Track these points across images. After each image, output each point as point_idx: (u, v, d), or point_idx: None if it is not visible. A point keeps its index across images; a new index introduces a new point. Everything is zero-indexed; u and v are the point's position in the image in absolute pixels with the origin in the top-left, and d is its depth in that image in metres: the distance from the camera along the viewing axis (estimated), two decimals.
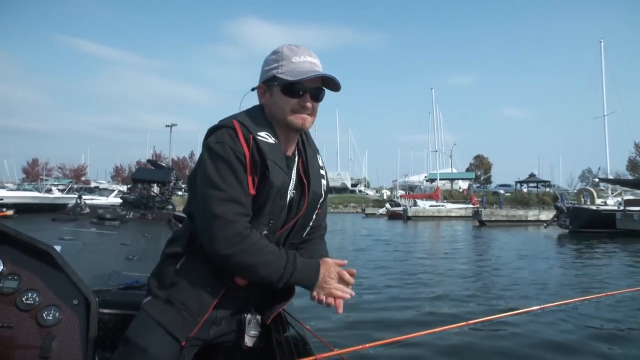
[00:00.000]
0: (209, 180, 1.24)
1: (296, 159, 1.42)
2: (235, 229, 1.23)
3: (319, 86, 1.34)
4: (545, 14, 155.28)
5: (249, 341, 1.38)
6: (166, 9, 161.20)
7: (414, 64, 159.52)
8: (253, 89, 1.42)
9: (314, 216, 1.46)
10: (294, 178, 1.39)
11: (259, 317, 1.42)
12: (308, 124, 1.35)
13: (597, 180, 39.97)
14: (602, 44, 35.40)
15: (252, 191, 1.27)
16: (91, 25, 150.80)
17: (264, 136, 1.29)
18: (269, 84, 1.35)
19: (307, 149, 1.46)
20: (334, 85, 1.35)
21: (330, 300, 1.34)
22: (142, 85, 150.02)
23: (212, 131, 1.31)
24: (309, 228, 1.47)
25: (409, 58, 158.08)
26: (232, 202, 1.23)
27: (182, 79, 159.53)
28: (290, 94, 1.31)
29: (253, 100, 1.42)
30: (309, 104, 1.32)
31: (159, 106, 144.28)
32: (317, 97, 1.35)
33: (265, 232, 1.33)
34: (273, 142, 1.31)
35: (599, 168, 38.56)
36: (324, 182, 1.47)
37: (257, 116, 1.35)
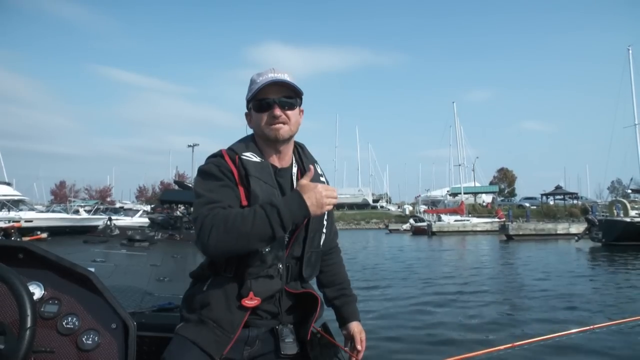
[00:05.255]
0: (195, 193, 1.37)
1: (294, 169, 1.51)
2: (209, 218, 1.27)
3: (287, 95, 1.43)
4: (565, 27, 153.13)
5: (284, 348, 1.41)
6: (194, 39, 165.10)
7: (433, 81, 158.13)
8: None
9: (325, 222, 1.53)
10: (295, 187, 1.46)
11: (290, 325, 1.47)
12: (283, 132, 1.43)
13: (629, 191, 38.72)
14: (630, 51, 34.73)
15: (244, 202, 1.36)
16: (123, 55, 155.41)
17: (249, 156, 1.41)
18: (248, 108, 1.49)
19: (303, 159, 1.55)
20: (292, 88, 1.43)
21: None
22: (168, 109, 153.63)
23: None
24: (324, 235, 1.54)
25: (428, 76, 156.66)
26: (210, 203, 1.31)
27: (206, 102, 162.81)
28: (260, 109, 1.42)
29: None
30: (277, 113, 1.40)
31: (182, 128, 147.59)
32: (285, 105, 1.42)
33: (268, 247, 1.36)
34: (258, 160, 1.42)
35: (631, 179, 37.39)
36: None
37: (246, 141, 1.48)
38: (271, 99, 1.41)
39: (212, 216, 1.27)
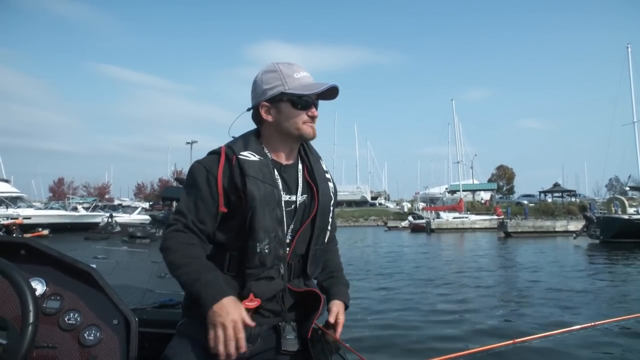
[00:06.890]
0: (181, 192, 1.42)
1: (299, 166, 1.50)
2: (171, 228, 1.35)
3: (317, 96, 1.45)
4: (564, 25, 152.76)
5: (285, 344, 1.40)
6: (194, 37, 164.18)
7: (432, 80, 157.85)
8: (249, 109, 1.49)
9: (330, 220, 1.52)
10: (300, 184, 1.47)
11: (293, 323, 1.45)
12: (315, 132, 1.47)
13: (627, 188, 38.85)
14: (630, 48, 34.77)
15: (222, 208, 1.36)
16: (123, 53, 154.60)
17: (247, 155, 1.39)
18: (276, 100, 1.42)
19: (309, 156, 1.54)
20: (329, 95, 1.47)
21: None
22: (168, 107, 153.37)
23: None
24: (328, 232, 1.53)
25: (427, 74, 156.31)
26: (180, 214, 1.36)
27: (206, 100, 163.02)
28: (301, 107, 1.41)
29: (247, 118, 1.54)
30: (316, 114, 1.44)
31: (182, 126, 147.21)
32: (317, 106, 1.46)
33: (267, 247, 1.35)
34: (257, 159, 1.39)
35: (629, 176, 37.45)
36: (330, 184, 1.54)
37: (247, 138, 1.45)
38: (311, 99, 1.42)
39: (172, 235, 1.35)
